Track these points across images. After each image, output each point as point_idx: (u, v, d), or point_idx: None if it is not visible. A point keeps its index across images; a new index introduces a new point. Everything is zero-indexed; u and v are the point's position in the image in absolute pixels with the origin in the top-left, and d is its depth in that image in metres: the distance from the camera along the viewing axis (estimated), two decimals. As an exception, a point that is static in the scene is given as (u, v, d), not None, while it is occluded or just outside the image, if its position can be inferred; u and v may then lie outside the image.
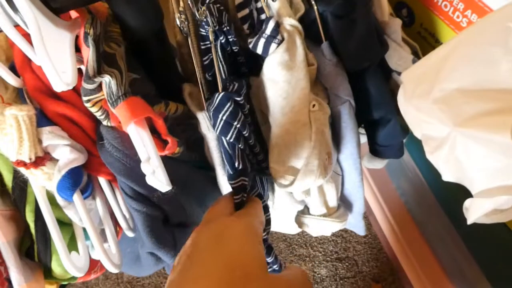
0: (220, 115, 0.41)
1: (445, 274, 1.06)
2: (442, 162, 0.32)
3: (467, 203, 0.32)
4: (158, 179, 0.42)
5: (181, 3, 0.46)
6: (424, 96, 0.30)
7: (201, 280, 0.28)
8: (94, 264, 0.67)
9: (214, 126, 0.42)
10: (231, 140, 0.42)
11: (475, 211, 0.30)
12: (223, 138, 0.42)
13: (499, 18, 0.27)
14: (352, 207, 0.56)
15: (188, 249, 0.32)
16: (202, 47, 0.49)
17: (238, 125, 0.41)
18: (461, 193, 0.78)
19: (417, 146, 0.83)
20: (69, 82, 0.35)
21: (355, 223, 0.59)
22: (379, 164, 0.60)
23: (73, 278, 0.53)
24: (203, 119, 0.47)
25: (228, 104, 0.42)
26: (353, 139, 0.49)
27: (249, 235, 0.33)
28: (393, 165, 1.06)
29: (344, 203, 0.57)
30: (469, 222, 0.32)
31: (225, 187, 0.51)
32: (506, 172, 0.26)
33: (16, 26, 0.37)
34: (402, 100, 0.34)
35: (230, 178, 0.42)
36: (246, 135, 0.43)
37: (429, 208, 0.96)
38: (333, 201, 0.52)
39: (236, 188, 0.41)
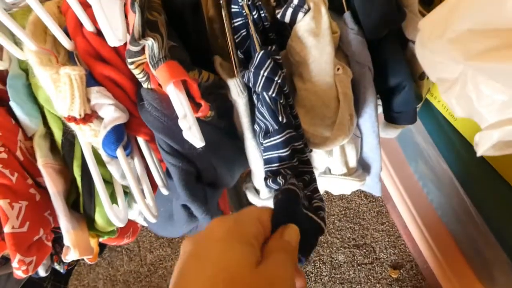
0: (262, 71, 0.45)
1: (465, 259, 1.07)
2: (454, 99, 0.35)
3: (477, 137, 0.35)
4: (193, 135, 0.46)
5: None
6: (438, 38, 0.33)
7: None
8: (127, 229, 0.73)
9: (254, 84, 0.46)
10: (274, 95, 0.45)
11: (484, 144, 0.33)
12: (265, 94, 0.46)
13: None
14: (370, 168, 0.60)
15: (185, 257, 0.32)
16: (233, 25, 0.53)
17: (279, 81, 0.45)
18: (480, 173, 0.79)
19: (437, 126, 0.85)
20: (121, 38, 0.40)
21: (372, 184, 0.62)
22: (392, 133, 0.64)
23: (112, 232, 0.58)
24: (234, 86, 0.51)
25: (269, 61, 0.45)
26: (371, 103, 0.53)
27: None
28: (411, 148, 1.08)
29: (362, 165, 0.60)
30: (478, 154, 0.35)
31: (251, 150, 0.55)
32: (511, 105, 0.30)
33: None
34: (419, 46, 0.38)
35: (276, 133, 0.46)
36: (286, 92, 0.47)
37: (448, 190, 0.98)
38: (353, 162, 0.56)
39: (284, 141, 0.45)
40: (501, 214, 0.83)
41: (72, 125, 0.48)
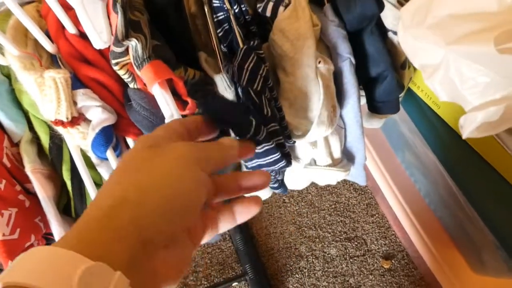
0: (245, 67, 0.46)
1: (455, 245, 1.09)
2: (438, 84, 0.36)
3: (461, 120, 0.36)
4: (182, 133, 0.46)
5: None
6: (420, 24, 0.34)
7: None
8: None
9: (239, 79, 0.47)
10: (258, 89, 0.46)
11: (468, 126, 0.34)
12: (249, 88, 0.46)
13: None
14: (354, 158, 0.61)
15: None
16: (215, 19, 0.53)
17: (264, 74, 0.46)
18: (465, 158, 0.81)
19: (421, 115, 0.87)
20: (106, 40, 0.40)
21: (357, 174, 0.63)
22: (376, 123, 0.65)
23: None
24: (221, 81, 0.52)
25: (252, 56, 0.46)
26: (354, 94, 0.54)
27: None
28: (397, 139, 1.10)
29: (347, 156, 0.61)
30: (464, 136, 0.37)
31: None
32: (494, 86, 0.31)
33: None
34: (401, 33, 0.39)
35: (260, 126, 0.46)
36: (270, 85, 0.48)
37: (434, 177, 0.99)
38: (337, 152, 0.57)
39: (268, 134, 0.46)
40: (487, 198, 0.85)
41: (60, 129, 0.48)
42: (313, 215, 1.48)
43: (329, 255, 1.41)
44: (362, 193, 1.49)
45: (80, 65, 0.48)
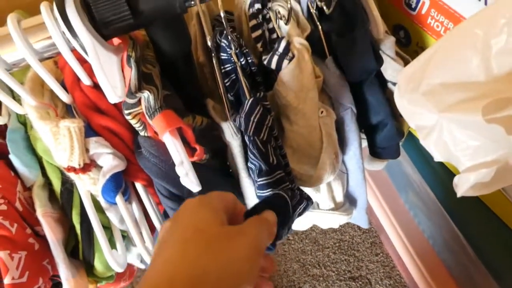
0: (252, 118, 0.48)
1: (458, 287, 1.08)
2: (433, 145, 0.38)
3: (456, 179, 0.38)
4: (190, 180, 0.48)
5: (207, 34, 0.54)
6: (414, 91, 0.37)
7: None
8: (123, 272, 0.73)
9: (246, 129, 0.49)
10: (264, 139, 0.48)
11: (462, 185, 0.36)
12: (256, 138, 0.48)
13: (469, 26, 0.34)
14: (356, 202, 0.62)
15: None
16: (223, 70, 0.56)
17: (269, 125, 0.48)
18: (467, 202, 0.82)
19: (422, 158, 0.88)
20: (120, 95, 0.43)
21: (359, 217, 0.65)
22: (378, 166, 0.66)
23: (111, 277, 0.59)
24: (228, 128, 0.54)
25: (258, 107, 0.49)
26: (356, 141, 0.56)
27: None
28: (400, 179, 1.11)
29: (349, 199, 0.63)
30: (458, 195, 0.38)
31: (248, 188, 0.57)
32: (484, 149, 0.32)
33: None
34: (398, 97, 0.41)
35: (267, 173, 0.49)
36: (275, 134, 0.50)
37: (437, 220, 1.00)
38: (339, 197, 0.59)
39: (275, 181, 0.48)
40: (489, 244, 0.85)
41: (72, 175, 0.50)
42: (317, 253, 1.47)
43: (334, 296, 1.40)
44: (367, 231, 1.49)
45: (94, 114, 0.51)
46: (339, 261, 1.45)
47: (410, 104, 0.38)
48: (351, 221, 0.66)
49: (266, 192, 0.51)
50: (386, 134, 0.58)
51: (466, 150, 0.34)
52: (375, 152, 0.63)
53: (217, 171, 0.60)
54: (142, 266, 0.75)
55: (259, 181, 0.51)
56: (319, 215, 0.61)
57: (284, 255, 1.47)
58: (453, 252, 1.03)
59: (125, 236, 0.60)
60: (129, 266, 0.76)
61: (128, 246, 0.61)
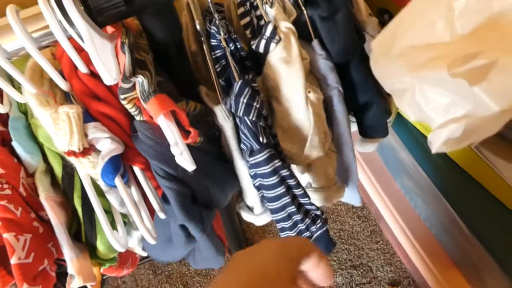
0: (241, 99, 0.51)
1: (457, 267, 1.10)
2: (407, 106, 0.40)
3: (429, 137, 0.40)
4: (185, 159, 0.51)
5: (196, 19, 0.57)
6: (387, 55, 0.39)
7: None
8: (126, 259, 0.75)
9: (236, 110, 0.51)
10: (254, 119, 0.51)
11: (436, 142, 0.38)
12: (246, 118, 0.51)
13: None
14: (348, 180, 0.64)
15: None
16: (213, 56, 0.59)
17: (258, 106, 0.51)
18: (459, 180, 0.84)
19: (415, 141, 0.90)
20: (115, 77, 0.45)
21: (351, 195, 0.67)
22: (369, 147, 0.69)
23: (113, 259, 0.61)
24: (220, 112, 0.56)
25: (247, 89, 0.51)
26: (344, 120, 0.58)
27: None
28: (394, 165, 1.13)
29: (341, 178, 0.65)
30: (433, 151, 0.40)
31: (241, 169, 0.60)
32: (454, 106, 0.35)
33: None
34: (373, 63, 0.43)
35: (258, 152, 0.51)
36: (265, 114, 0.52)
37: (432, 201, 1.02)
38: (331, 175, 0.61)
39: (265, 159, 0.50)
40: (483, 221, 0.87)
41: (72, 159, 0.52)
42: (318, 243, 1.48)
43: (335, 284, 1.41)
44: (366, 220, 1.51)
45: (91, 101, 0.53)
46: (340, 251, 1.47)
47: (384, 68, 0.40)
48: (343, 200, 0.69)
49: (257, 171, 0.53)
50: (374, 112, 0.61)
51: (438, 107, 0.36)
52: (364, 131, 0.65)
53: (213, 156, 0.63)
54: (144, 253, 0.77)
55: (250, 161, 0.54)
56: (312, 194, 0.63)
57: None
58: (450, 234, 1.04)
59: (126, 222, 0.63)
60: (132, 254, 0.78)
61: (129, 231, 0.64)
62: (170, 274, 1.50)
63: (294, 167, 0.61)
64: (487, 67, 0.29)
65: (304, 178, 0.64)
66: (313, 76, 0.58)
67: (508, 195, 0.81)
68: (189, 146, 0.55)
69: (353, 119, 0.68)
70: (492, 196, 0.82)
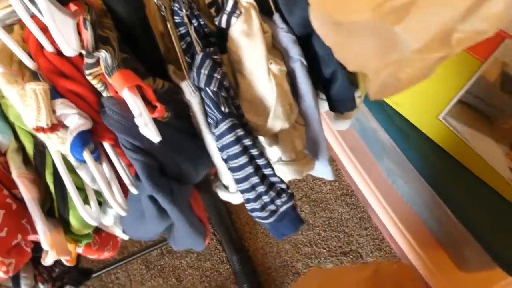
0: (203, 70, 0.53)
1: (441, 246, 1.12)
2: (342, 58, 0.42)
3: (366, 87, 0.42)
4: (150, 130, 0.52)
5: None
6: (316, 7, 0.40)
7: None
8: (106, 242, 0.77)
9: (198, 81, 0.53)
10: (215, 89, 0.52)
11: (371, 90, 0.40)
12: (207, 88, 0.52)
13: None
14: (318, 153, 0.66)
15: None
16: (178, 33, 0.60)
17: (219, 77, 0.53)
18: (438, 163, 0.85)
19: (390, 120, 0.92)
20: (75, 48, 0.47)
21: (322, 169, 0.68)
22: (342, 124, 0.70)
23: (88, 235, 0.63)
24: (186, 87, 0.58)
25: (208, 60, 0.53)
26: (309, 92, 0.59)
27: None
28: (376, 147, 1.14)
29: (311, 151, 0.66)
30: (371, 99, 0.42)
31: (212, 146, 0.61)
32: (384, 52, 0.36)
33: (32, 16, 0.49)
34: (312, 20, 0.45)
35: (221, 121, 0.53)
36: (226, 85, 0.54)
37: (412, 181, 1.03)
38: (300, 148, 0.62)
39: (228, 128, 0.52)
40: (462, 198, 0.88)
41: (41, 135, 0.54)
42: (308, 232, 1.50)
43: (326, 271, 1.43)
44: (354, 207, 1.52)
45: (59, 78, 0.54)
46: (330, 238, 1.49)
47: (323, 23, 0.42)
48: (315, 174, 0.70)
49: (223, 141, 0.55)
50: (340, 85, 0.62)
51: (370, 56, 0.38)
52: (333, 105, 0.67)
53: (185, 133, 0.64)
54: (126, 237, 0.79)
55: (216, 132, 0.55)
56: (282, 167, 0.64)
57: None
58: (433, 214, 1.06)
59: (102, 202, 0.64)
60: (112, 237, 0.80)
61: (105, 209, 0.65)
62: (162, 268, 1.52)
63: (262, 141, 0.63)
64: (407, 6, 0.31)
65: (275, 153, 0.66)
66: (276, 50, 0.60)
67: (486, 171, 0.82)
68: (157, 121, 0.57)
69: (323, 96, 0.69)
70: (470, 173, 0.83)
